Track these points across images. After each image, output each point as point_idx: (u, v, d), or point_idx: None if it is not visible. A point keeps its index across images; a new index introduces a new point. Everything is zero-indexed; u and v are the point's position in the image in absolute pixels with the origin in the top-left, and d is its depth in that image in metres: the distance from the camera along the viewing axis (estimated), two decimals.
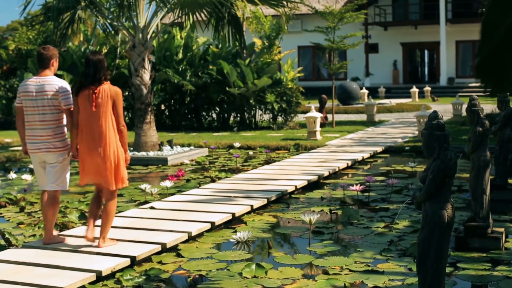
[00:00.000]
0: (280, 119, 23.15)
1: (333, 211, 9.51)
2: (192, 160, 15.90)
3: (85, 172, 7.45)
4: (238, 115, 23.18)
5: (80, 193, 11.60)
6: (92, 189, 11.63)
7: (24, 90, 7.55)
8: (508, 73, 1.13)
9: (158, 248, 7.45)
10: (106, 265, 6.66)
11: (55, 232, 7.82)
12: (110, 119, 7.32)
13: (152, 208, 9.60)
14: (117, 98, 7.40)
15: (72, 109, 7.49)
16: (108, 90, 7.34)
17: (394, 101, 34.67)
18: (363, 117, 26.35)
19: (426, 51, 48.98)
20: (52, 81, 7.54)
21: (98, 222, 7.67)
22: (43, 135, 7.49)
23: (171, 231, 8.10)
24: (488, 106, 22.78)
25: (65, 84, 7.59)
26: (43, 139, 7.49)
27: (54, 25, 16.19)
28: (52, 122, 7.51)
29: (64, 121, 7.63)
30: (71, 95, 7.51)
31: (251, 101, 22.09)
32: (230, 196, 10.34)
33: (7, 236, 7.86)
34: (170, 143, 16.85)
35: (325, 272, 6.61)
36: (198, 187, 11.63)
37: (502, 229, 7.62)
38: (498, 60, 1.12)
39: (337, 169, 13.32)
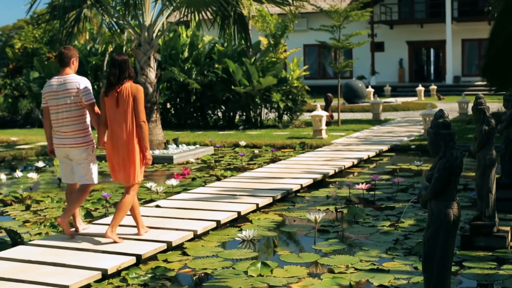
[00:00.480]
0: (285, 117, 23.14)
1: (338, 210, 9.51)
2: (197, 159, 15.91)
3: (115, 170, 7.74)
4: (244, 113, 23.18)
5: None
6: (98, 187, 11.66)
7: (48, 91, 7.87)
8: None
9: (163, 246, 7.45)
10: (112, 263, 6.66)
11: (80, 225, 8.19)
12: (132, 117, 7.60)
13: (157, 206, 9.61)
14: (138, 94, 7.61)
15: (94, 104, 7.83)
16: (129, 87, 7.61)
17: (400, 100, 34.64)
18: (368, 115, 26.33)
19: (432, 50, 48.90)
20: (73, 79, 7.83)
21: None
22: (67, 131, 7.81)
23: (176, 229, 8.10)
24: (494, 105, 22.74)
25: (85, 81, 7.89)
26: (68, 135, 7.81)
27: (60, 24, 16.21)
28: (76, 118, 7.81)
29: (87, 118, 7.92)
30: (91, 92, 7.84)
31: (256, 99, 22.09)
32: (236, 195, 10.34)
33: (13, 234, 7.88)
34: (176, 141, 16.86)
35: (331, 271, 6.61)
36: (203, 186, 11.63)
37: (508, 228, 7.60)
38: (504, 61, 1.14)
39: (342, 168, 13.31)
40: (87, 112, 7.89)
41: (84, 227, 8.19)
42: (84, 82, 7.83)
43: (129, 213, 7.85)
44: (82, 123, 7.86)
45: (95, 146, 8.07)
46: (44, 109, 8.02)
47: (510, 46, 1.15)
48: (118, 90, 7.57)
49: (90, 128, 7.98)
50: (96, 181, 8.01)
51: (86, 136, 7.89)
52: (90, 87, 7.86)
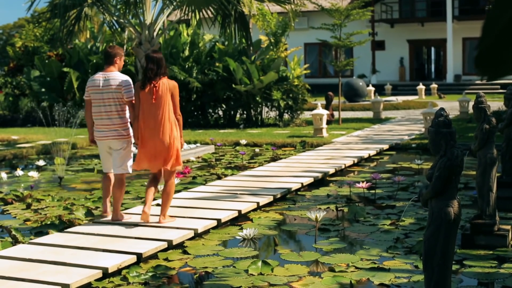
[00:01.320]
0: (286, 116, 23.14)
1: (339, 209, 9.51)
2: (198, 157, 15.91)
3: (142, 157, 8.36)
4: (244, 112, 23.18)
5: (86, 190, 11.63)
6: (98, 186, 11.68)
7: (91, 85, 8.55)
8: (504, 64, 1.21)
9: (164, 245, 7.45)
10: (112, 262, 6.66)
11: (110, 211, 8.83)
12: (168, 109, 8.21)
13: (158, 205, 9.60)
14: (175, 90, 8.29)
15: (134, 101, 8.39)
16: (166, 83, 8.24)
17: (400, 98, 34.64)
18: (369, 114, 26.33)
19: (432, 48, 48.87)
20: (116, 76, 8.52)
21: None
22: (109, 124, 8.47)
23: (177, 228, 8.10)
24: (495, 104, 22.75)
25: (128, 79, 8.56)
26: (109, 127, 8.47)
27: (60, 22, 16.20)
28: (117, 112, 8.48)
29: (127, 113, 8.55)
30: (133, 89, 8.46)
31: (257, 98, 22.09)
32: (236, 193, 10.35)
33: (13, 233, 7.89)
34: None
35: (331, 269, 6.61)
36: (204, 184, 11.63)
37: (508, 227, 7.60)
38: (496, 52, 1.20)
39: (343, 166, 13.31)
40: (127, 107, 8.50)
41: (124, 214, 8.74)
42: (126, 80, 8.49)
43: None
44: (122, 117, 8.51)
45: (132, 139, 8.65)
46: (86, 102, 8.66)
47: (503, 38, 1.19)
48: (154, 85, 8.15)
49: (129, 123, 8.57)
50: (130, 171, 8.65)
51: (126, 129, 8.54)
52: (132, 85, 8.49)
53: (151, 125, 8.17)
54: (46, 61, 25.95)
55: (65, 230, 8.22)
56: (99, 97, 8.46)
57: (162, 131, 8.16)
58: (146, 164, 8.40)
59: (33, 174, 12.78)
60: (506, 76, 1.22)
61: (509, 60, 1.20)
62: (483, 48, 1.21)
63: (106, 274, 6.49)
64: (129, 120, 8.56)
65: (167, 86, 8.19)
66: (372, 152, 15.27)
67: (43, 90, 25.16)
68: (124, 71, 23.81)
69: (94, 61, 24.71)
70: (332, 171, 12.64)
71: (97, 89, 8.47)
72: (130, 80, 8.55)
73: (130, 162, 8.60)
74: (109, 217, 8.62)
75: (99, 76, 8.53)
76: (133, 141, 8.63)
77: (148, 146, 8.24)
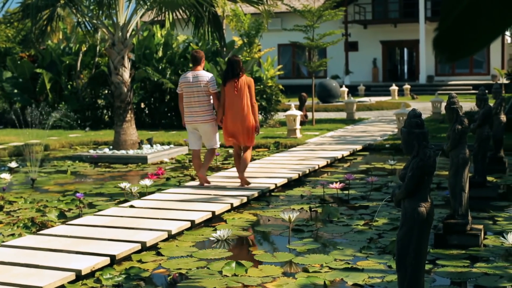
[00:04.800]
0: (260, 117, 23.13)
1: (313, 209, 9.53)
2: (172, 159, 15.87)
3: (226, 136, 10.96)
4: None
5: (59, 192, 11.55)
6: (72, 187, 11.63)
7: (184, 81, 11.00)
8: (461, 44, 1.22)
9: (138, 246, 7.43)
10: (86, 264, 6.63)
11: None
12: (246, 99, 10.76)
13: (131, 206, 9.57)
14: (251, 84, 10.91)
15: (217, 92, 10.93)
16: (244, 79, 10.84)
17: (373, 99, 34.78)
18: (342, 115, 26.40)
19: (405, 49, 49.11)
20: (203, 74, 10.99)
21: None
22: (198, 111, 10.89)
23: (151, 229, 8.08)
24: (467, 104, 22.92)
25: (212, 75, 11.05)
26: (198, 114, 10.90)
27: (32, 23, 16.09)
28: (204, 102, 10.90)
29: (211, 101, 10.97)
30: (216, 83, 11.02)
31: None
32: (210, 194, 10.34)
33: None
34: (150, 141, 16.80)
35: (305, 270, 6.62)
36: (178, 186, 11.61)
37: (480, 226, 7.66)
38: (455, 34, 1.22)
39: (317, 167, 13.34)
40: (211, 97, 10.93)
41: (209, 180, 11.30)
42: (211, 76, 10.98)
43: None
44: (208, 105, 10.94)
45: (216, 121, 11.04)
46: (179, 95, 11.15)
47: (462, 20, 1.19)
48: (236, 80, 10.70)
49: (213, 109, 10.99)
50: (218, 145, 11.28)
51: (211, 114, 10.98)
52: (215, 80, 11.00)
53: (233, 111, 10.72)
54: (18, 62, 25.73)
55: (38, 232, 8.17)
56: (190, 90, 10.89)
57: (241, 116, 10.70)
58: (231, 141, 10.97)
59: (5, 176, 12.67)
60: (464, 57, 1.24)
61: (468, 42, 1.21)
62: (442, 30, 1.21)
63: (79, 277, 6.45)
64: (213, 107, 10.98)
65: (245, 81, 10.79)
66: (346, 153, 15.32)
67: (15, 91, 24.95)
68: (98, 71, 23.76)
69: (67, 62, 24.53)
70: (306, 171, 12.66)
71: (188, 84, 10.90)
72: (213, 76, 11.06)
73: (216, 139, 11.14)
74: (203, 182, 11.09)
75: (189, 74, 11.00)
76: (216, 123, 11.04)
77: (231, 127, 10.78)
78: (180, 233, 8.26)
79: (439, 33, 1.21)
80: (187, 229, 8.43)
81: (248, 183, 10.96)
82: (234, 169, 13.20)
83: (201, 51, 11.34)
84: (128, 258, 7.20)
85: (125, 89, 15.91)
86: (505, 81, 29.98)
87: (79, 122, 23.39)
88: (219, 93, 11.02)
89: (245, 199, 10.07)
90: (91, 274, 6.59)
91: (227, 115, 10.78)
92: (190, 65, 11.94)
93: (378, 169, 13.37)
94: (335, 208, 9.32)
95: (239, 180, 11.37)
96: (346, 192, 10.73)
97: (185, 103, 10.96)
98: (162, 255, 7.35)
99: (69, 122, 22.56)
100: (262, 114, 22.92)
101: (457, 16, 1.19)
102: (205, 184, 11.09)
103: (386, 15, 47.02)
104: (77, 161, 15.57)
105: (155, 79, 22.25)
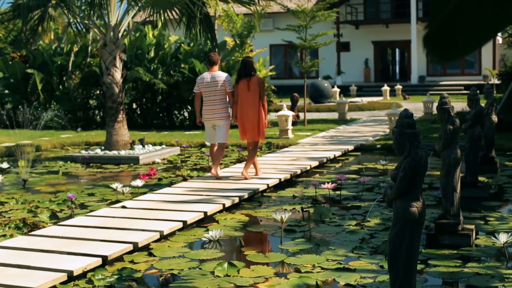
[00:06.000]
0: None
1: (305, 209, 9.52)
2: (163, 159, 15.85)
3: (244, 131, 11.74)
4: None
5: (51, 193, 11.52)
6: (63, 188, 11.62)
7: (201, 81, 11.82)
8: (454, 42, 1.13)
9: (130, 247, 7.41)
10: (77, 265, 6.61)
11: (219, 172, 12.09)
12: (257, 97, 11.54)
13: (123, 207, 9.56)
14: (262, 84, 11.59)
15: (233, 91, 11.68)
16: (256, 79, 11.57)
17: (365, 100, 34.82)
18: (334, 115, 26.43)
19: (397, 50, 49.18)
20: (220, 74, 11.82)
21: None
22: (214, 108, 11.74)
23: (142, 230, 8.07)
24: (459, 104, 22.96)
25: (228, 75, 11.83)
26: (214, 111, 11.75)
27: (23, 23, 16.05)
28: (220, 100, 11.74)
29: (227, 99, 11.78)
30: (231, 83, 11.82)
31: None
32: (202, 195, 10.33)
33: None
34: (142, 142, 16.77)
35: (297, 270, 6.62)
36: (170, 186, 11.60)
37: (472, 226, 7.68)
38: (446, 32, 1.12)
39: (308, 168, 13.35)
40: (227, 96, 11.74)
41: (220, 174, 12.05)
42: (227, 77, 11.79)
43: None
44: (224, 103, 11.77)
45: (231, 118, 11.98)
46: (196, 94, 12.01)
47: (454, 16, 1.12)
48: (249, 80, 11.47)
49: (228, 106, 11.80)
50: (226, 141, 12.11)
51: (227, 112, 11.81)
52: (231, 79, 11.85)
53: (246, 108, 11.53)
54: (10, 62, 25.66)
55: (30, 233, 8.15)
56: (207, 89, 11.72)
57: (252, 113, 11.51)
58: (244, 136, 11.80)
59: None
60: (456, 59, 1.15)
61: (460, 42, 1.14)
62: (433, 27, 1.14)
63: (71, 277, 6.43)
64: (228, 104, 11.78)
65: (256, 81, 11.52)
66: (338, 153, 15.34)
67: (6, 91, 24.87)
68: (89, 72, 23.71)
69: (59, 62, 24.47)
70: (298, 172, 12.67)
71: (206, 84, 11.73)
72: (229, 76, 11.88)
73: (227, 135, 11.98)
74: (214, 175, 11.76)
75: (207, 75, 11.86)
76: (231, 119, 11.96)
77: (244, 122, 11.62)
78: (172, 234, 8.25)
79: (429, 31, 1.14)
80: (179, 230, 8.42)
81: (246, 178, 11.59)
82: (226, 170, 13.21)
83: (216, 54, 12.39)
84: (120, 258, 7.19)
85: (117, 90, 15.88)
86: (496, 81, 30.09)
87: (71, 122, 23.34)
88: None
89: (237, 200, 10.07)
90: (83, 275, 6.57)
91: (240, 111, 11.61)
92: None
93: (370, 169, 13.39)
94: (327, 209, 9.32)
95: (231, 181, 11.38)
96: (338, 192, 10.74)
97: (203, 102, 11.85)
98: (154, 256, 7.34)
99: (60, 123, 22.51)
100: None
101: (449, 12, 1.12)
102: (217, 177, 11.80)
103: (377, 15, 47.11)
104: (68, 162, 15.54)
105: (147, 80, 22.22)
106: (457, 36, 1.11)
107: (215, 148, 11.94)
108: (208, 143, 12.44)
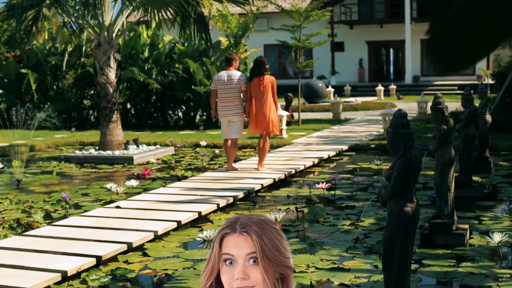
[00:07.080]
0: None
1: (299, 209, 9.53)
2: (158, 159, 15.84)
3: (254, 126, 12.34)
4: (204, 113, 23.10)
5: (45, 193, 11.51)
6: (57, 188, 11.60)
7: (218, 79, 12.39)
8: (458, 51, 1.03)
9: (124, 247, 7.41)
10: (72, 265, 6.61)
11: (234, 165, 12.94)
12: (269, 95, 12.19)
13: (118, 207, 9.55)
14: (274, 83, 12.30)
15: (246, 89, 12.23)
16: (268, 78, 12.23)
17: (359, 99, 34.82)
18: (329, 115, 26.42)
19: (391, 50, 49.16)
20: (235, 73, 12.36)
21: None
22: (230, 105, 12.26)
23: (137, 230, 8.07)
24: (453, 104, 22.98)
25: (243, 75, 12.42)
26: (230, 107, 12.26)
27: (17, 23, 16.02)
28: (235, 97, 12.27)
29: (242, 97, 12.29)
30: (246, 81, 12.29)
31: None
32: (196, 195, 10.33)
33: None
34: (136, 142, 16.76)
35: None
36: (164, 186, 11.59)
37: (466, 226, 7.69)
38: (449, 37, 1.03)
39: (303, 167, 13.36)
40: (242, 93, 12.25)
41: (237, 167, 12.82)
42: (242, 75, 12.35)
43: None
44: (239, 100, 12.30)
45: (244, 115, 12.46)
46: (212, 91, 12.58)
47: (454, 23, 0.99)
48: (261, 78, 12.11)
49: (243, 103, 12.32)
50: (241, 137, 12.67)
51: (240, 108, 12.32)
52: (245, 78, 12.33)
53: (259, 105, 12.14)
54: (4, 62, 25.60)
55: (24, 233, 8.14)
56: (224, 87, 12.24)
57: (264, 109, 12.10)
58: (255, 131, 12.37)
59: None
60: (459, 70, 1.01)
61: (463, 51, 1.01)
62: (436, 32, 1.02)
63: (65, 278, 6.43)
64: (243, 102, 12.30)
65: (269, 79, 12.20)
66: (332, 153, 15.34)
67: (0, 92, 24.83)
68: (83, 72, 23.68)
69: (53, 62, 24.41)
70: (292, 172, 12.67)
71: (222, 82, 12.25)
72: (244, 75, 12.45)
73: (241, 131, 12.49)
74: (231, 170, 12.51)
75: (223, 73, 12.40)
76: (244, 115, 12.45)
77: (256, 118, 12.17)
78: (167, 234, 8.24)
79: (431, 37, 1.00)
80: (174, 230, 8.42)
81: (260, 168, 12.60)
82: (220, 169, 13.23)
83: (234, 54, 12.97)
84: (114, 259, 7.18)
85: (111, 90, 15.87)
86: (490, 81, 30.11)
87: (65, 122, 23.29)
88: None
89: (231, 200, 10.07)
90: (77, 275, 6.57)
91: (253, 107, 12.22)
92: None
93: (364, 169, 13.40)
94: (321, 208, 9.33)
95: (226, 181, 11.38)
96: (332, 192, 10.74)
97: (220, 99, 12.40)
98: (148, 256, 7.34)
99: (54, 123, 22.47)
100: None
101: (450, 16, 0.99)
102: (234, 170, 12.62)
103: (372, 15, 47.10)
104: (62, 162, 15.51)
105: (141, 80, 22.19)
106: (460, 42, 1.01)
107: (229, 142, 12.45)
108: (223, 137, 12.90)
